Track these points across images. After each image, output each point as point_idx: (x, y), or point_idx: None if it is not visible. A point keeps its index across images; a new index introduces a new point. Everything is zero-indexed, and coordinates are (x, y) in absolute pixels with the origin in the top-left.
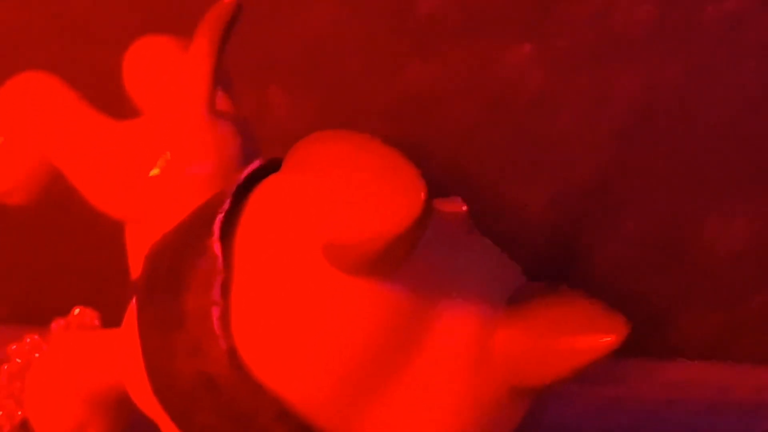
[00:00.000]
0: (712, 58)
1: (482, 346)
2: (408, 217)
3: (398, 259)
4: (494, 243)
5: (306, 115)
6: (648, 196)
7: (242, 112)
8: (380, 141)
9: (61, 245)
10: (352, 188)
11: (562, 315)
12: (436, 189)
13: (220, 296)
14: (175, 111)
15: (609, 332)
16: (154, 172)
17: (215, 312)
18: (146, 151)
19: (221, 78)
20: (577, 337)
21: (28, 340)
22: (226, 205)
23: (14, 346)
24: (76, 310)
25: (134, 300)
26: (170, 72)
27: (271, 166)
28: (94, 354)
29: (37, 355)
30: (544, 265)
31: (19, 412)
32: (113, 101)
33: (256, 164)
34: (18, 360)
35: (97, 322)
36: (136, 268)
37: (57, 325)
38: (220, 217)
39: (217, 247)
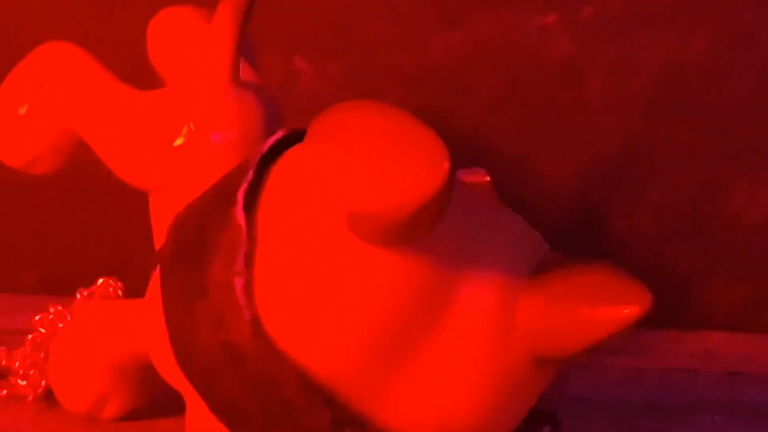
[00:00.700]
0: (738, 28)
1: (505, 317)
2: (431, 187)
3: (422, 229)
4: (519, 213)
5: (331, 84)
6: (673, 166)
7: (267, 82)
8: (404, 111)
9: (86, 216)
10: (375, 158)
11: (585, 286)
12: (460, 159)
13: (244, 267)
14: (198, 81)
15: (632, 304)
16: (178, 142)
17: (239, 282)
18: (170, 121)
19: (245, 48)
20: (600, 308)
21: (52, 310)
22: (250, 176)
23: (38, 317)
24: (100, 280)
25: (158, 270)
26: (194, 43)
27: (295, 137)
28: (117, 324)
29: (61, 325)
30: (569, 235)
31: (43, 382)
32: (137, 72)
33: (279, 135)
34: (42, 330)
35: (120, 293)
36: (159, 238)
37: (81, 295)
38: (243, 187)
39: (240, 217)
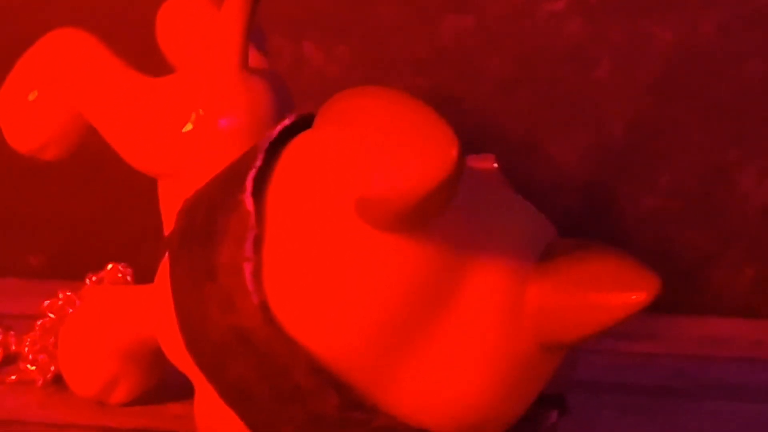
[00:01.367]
0: (748, 10)
1: (514, 302)
2: (440, 173)
3: (430, 215)
4: (528, 196)
5: (340, 69)
6: (683, 149)
7: (277, 67)
8: (413, 97)
9: (95, 201)
10: (384, 144)
11: (593, 271)
12: (470, 142)
13: (253, 252)
14: (208, 67)
15: (640, 289)
16: (187, 128)
17: (247, 267)
18: (179, 107)
19: (254, 34)
20: (608, 293)
21: (61, 295)
22: (259, 161)
23: (48, 302)
24: (109, 266)
25: (167, 255)
26: (203, 28)
27: (304, 122)
28: (126, 309)
29: (70, 310)
30: (578, 219)
31: (53, 367)
32: (147, 58)
33: (288, 120)
34: (51, 315)
35: (129, 278)
36: (169, 223)
37: (90, 280)
38: (252, 172)
39: (249, 202)
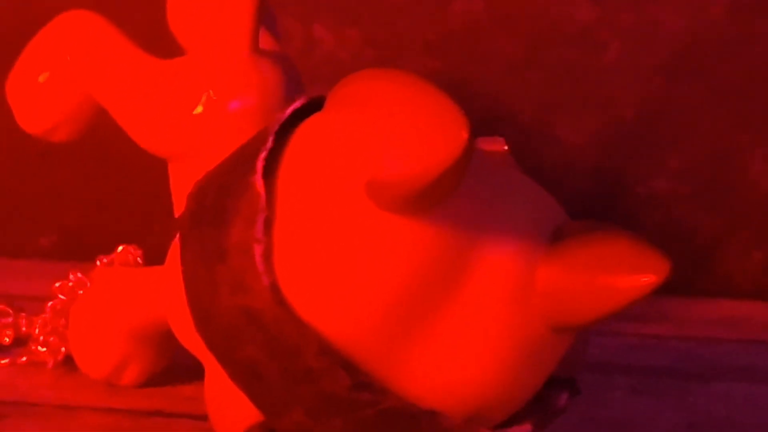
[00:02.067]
0: None
1: (524, 284)
2: (450, 155)
3: (440, 197)
4: (537, 178)
5: (350, 51)
6: (692, 132)
7: (287, 49)
8: (423, 79)
9: (106, 183)
10: (394, 126)
11: (603, 253)
12: (479, 124)
13: (263, 233)
14: (218, 50)
15: (650, 271)
16: (198, 110)
17: (258, 249)
18: (190, 89)
19: (265, 16)
20: (618, 275)
21: (72, 277)
22: (269, 143)
23: (59, 283)
24: (120, 248)
25: (178, 237)
26: (214, 11)
27: (314, 105)
28: (137, 290)
29: (81, 292)
30: (587, 201)
31: (63, 348)
32: (157, 40)
33: (299, 102)
34: (62, 297)
35: (140, 260)
36: (179, 205)
37: (101, 262)
38: (263, 154)
39: (260, 184)
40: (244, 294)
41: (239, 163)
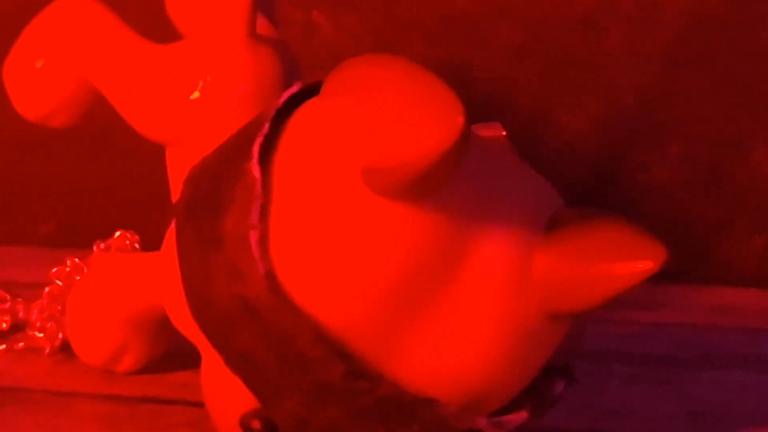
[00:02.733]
0: None
1: (520, 272)
2: (446, 142)
3: (436, 184)
4: (537, 165)
5: (349, 37)
6: (693, 119)
7: (286, 36)
8: (420, 66)
9: (103, 169)
10: (390, 113)
11: (600, 240)
12: (479, 111)
13: (259, 220)
14: (215, 35)
15: (647, 258)
16: (195, 95)
17: (253, 236)
18: (187, 74)
19: (262, 2)
20: (614, 263)
21: (69, 263)
22: (265, 129)
23: (55, 269)
24: (117, 233)
25: (174, 223)
26: None
27: (311, 91)
28: (134, 276)
29: (78, 277)
30: (587, 188)
31: (60, 334)
32: (154, 25)
33: (295, 88)
34: (59, 282)
35: (137, 246)
36: (176, 191)
37: (98, 247)
38: (259, 140)
39: (256, 170)
40: (240, 282)
41: (235, 148)
